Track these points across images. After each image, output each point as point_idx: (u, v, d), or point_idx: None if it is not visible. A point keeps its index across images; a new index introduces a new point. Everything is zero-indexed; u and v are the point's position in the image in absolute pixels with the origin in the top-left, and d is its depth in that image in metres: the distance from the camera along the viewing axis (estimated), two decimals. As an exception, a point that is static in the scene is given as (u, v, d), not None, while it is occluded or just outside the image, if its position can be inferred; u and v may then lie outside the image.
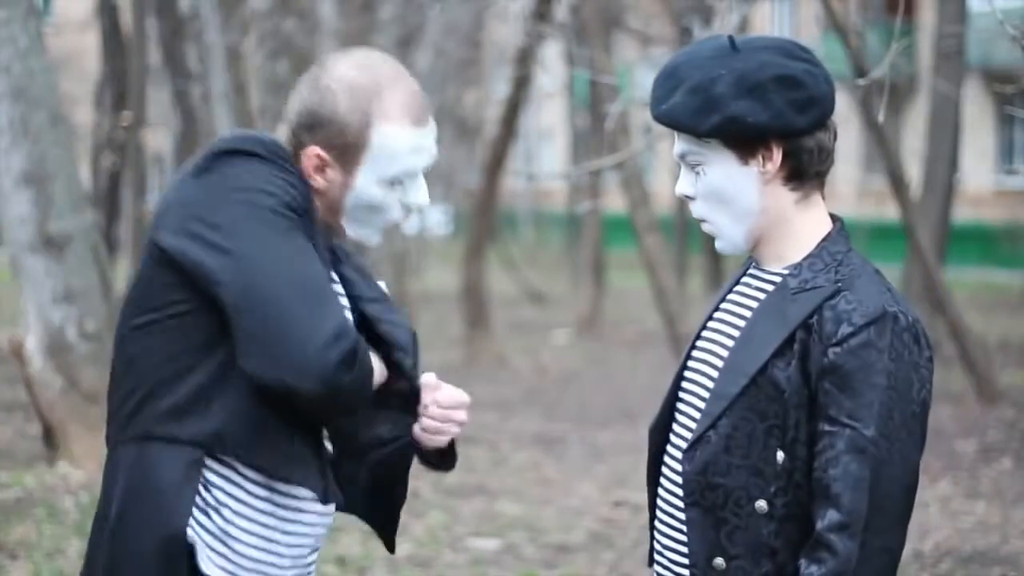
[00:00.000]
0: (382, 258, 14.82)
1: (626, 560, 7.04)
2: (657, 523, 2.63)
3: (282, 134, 2.65)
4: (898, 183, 11.42)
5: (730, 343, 2.55)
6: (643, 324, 19.51)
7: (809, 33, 23.90)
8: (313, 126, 2.61)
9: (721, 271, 23.73)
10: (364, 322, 2.68)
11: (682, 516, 2.54)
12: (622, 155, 10.70)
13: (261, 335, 2.45)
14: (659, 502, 2.62)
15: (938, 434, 9.74)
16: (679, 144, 2.55)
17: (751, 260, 2.63)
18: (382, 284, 2.79)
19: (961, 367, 12.34)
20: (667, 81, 2.52)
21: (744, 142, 2.49)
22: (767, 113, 2.46)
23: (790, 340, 2.46)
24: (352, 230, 2.68)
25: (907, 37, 15.53)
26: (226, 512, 2.55)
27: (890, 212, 16.09)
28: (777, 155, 2.50)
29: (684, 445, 2.54)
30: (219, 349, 2.51)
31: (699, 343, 2.62)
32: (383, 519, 2.81)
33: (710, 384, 2.54)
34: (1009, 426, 11.19)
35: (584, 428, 11.38)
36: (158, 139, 30.26)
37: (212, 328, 2.51)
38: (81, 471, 8.06)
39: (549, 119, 40.13)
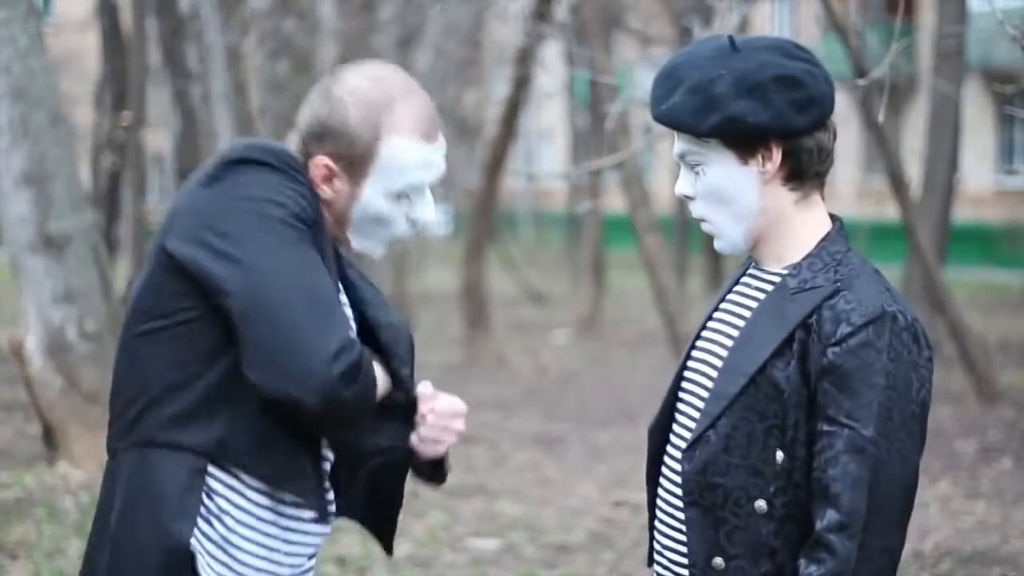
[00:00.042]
0: (382, 258, 14.80)
1: (626, 560, 7.04)
2: (657, 523, 2.63)
3: (292, 143, 2.65)
4: (898, 183, 11.42)
5: (729, 343, 2.55)
6: (643, 324, 19.50)
7: (809, 33, 23.87)
8: (323, 136, 2.60)
9: (721, 271, 23.71)
10: (364, 325, 2.68)
11: (681, 516, 2.54)
12: (622, 155, 10.70)
13: (267, 346, 2.45)
14: (659, 502, 2.62)
15: (938, 434, 9.74)
16: (679, 144, 2.55)
17: (751, 260, 2.63)
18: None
19: (961, 367, 12.34)
20: (667, 81, 2.52)
21: (744, 142, 2.49)
22: (767, 113, 2.46)
23: (789, 340, 2.47)
24: (357, 242, 2.67)
25: (907, 37, 15.53)
26: (228, 520, 2.55)
27: (890, 212, 16.07)
28: (777, 155, 2.50)
29: (684, 445, 2.54)
30: (225, 357, 2.51)
31: (699, 343, 2.62)
32: (381, 523, 2.81)
33: (710, 384, 2.54)
34: (1009, 426, 11.18)
35: (584, 428, 11.37)
36: (158, 139, 30.22)
37: (219, 336, 2.51)
38: (81, 471, 8.05)
39: (549, 119, 40.10)
